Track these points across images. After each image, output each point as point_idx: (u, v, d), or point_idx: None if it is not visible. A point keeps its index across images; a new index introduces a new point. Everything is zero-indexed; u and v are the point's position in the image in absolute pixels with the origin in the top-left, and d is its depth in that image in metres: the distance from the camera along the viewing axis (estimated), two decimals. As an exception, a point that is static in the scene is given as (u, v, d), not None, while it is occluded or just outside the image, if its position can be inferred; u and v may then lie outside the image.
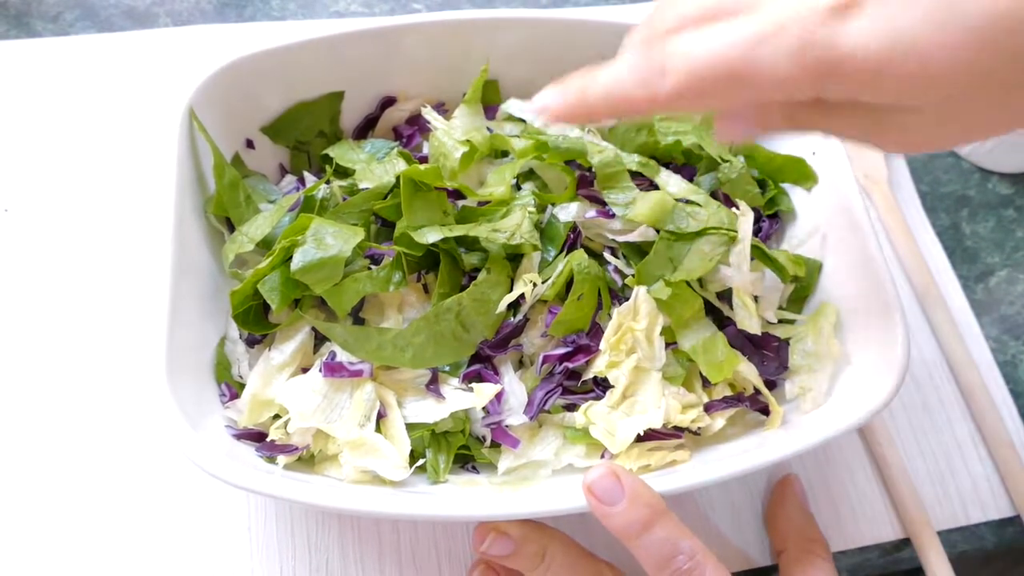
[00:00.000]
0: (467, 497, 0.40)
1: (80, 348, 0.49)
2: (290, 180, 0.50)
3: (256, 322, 0.43)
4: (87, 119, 0.55)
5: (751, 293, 0.44)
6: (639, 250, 0.47)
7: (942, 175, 0.62)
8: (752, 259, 0.45)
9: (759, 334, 0.45)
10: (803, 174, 0.50)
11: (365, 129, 0.52)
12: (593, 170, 0.47)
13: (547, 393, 0.43)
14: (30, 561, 0.43)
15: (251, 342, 0.43)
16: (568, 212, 0.47)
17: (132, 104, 0.56)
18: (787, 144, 0.51)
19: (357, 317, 0.45)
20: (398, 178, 0.44)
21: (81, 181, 0.54)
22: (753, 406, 0.45)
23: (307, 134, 0.50)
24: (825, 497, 0.49)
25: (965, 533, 0.49)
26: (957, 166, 0.62)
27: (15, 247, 0.51)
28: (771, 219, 0.51)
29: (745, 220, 0.45)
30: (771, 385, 0.46)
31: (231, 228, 0.46)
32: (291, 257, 0.40)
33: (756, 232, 0.51)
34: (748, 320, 0.44)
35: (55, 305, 0.50)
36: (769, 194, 0.51)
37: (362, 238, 0.42)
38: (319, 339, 0.44)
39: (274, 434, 0.40)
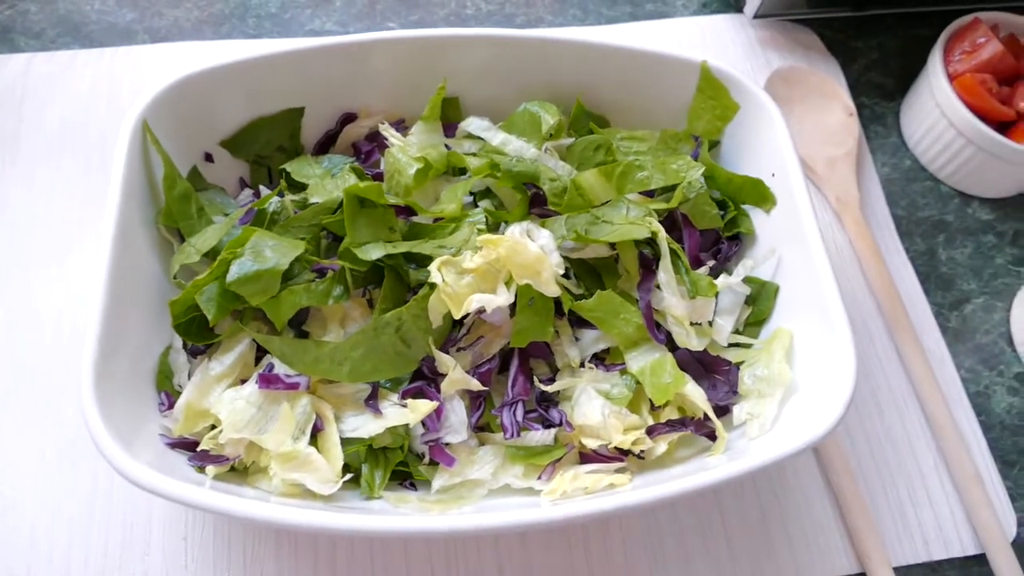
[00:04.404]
0: (394, 514, 0.40)
1: (29, 352, 0.49)
2: (247, 194, 0.50)
3: (198, 333, 0.43)
4: (59, 131, 0.57)
5: (684, 312, 0.44)
6: (591, 268, 0.47)
7: (919, 199, 0.61)
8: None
9: (702, 351, 0.44)
10: (762, 196, 0.49)
11: (326, 145, 0.53)
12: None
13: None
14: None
15: (195, 352, 0.44)
16: (519, 230, 0.46)
17: (100, 117, 0.57)
18: (747, 165, 0.50)
19: (301, 330, 0.45)
20: (348, 193, 0.44)
21: (52, 191, 0.55)
22: (698, 431, 0.44)
23: (267, 148, 0.51)
24: (779, 525, 0.48)
25: (926, 570, 0.48)
26: (936, 190, 0.61)
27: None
28: (730, 241, 0.50)
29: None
30: (723, 411, 0.45)
31: (184, 240, 0.46)
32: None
33: (715, 254, 0.50)
34: (685, 337, 0.44)
35: (17, 308, 0.51)
36: (729, 215, 0.50)
37: (302, 251, 0.42)
38: (262, 351, 0.44)
39: (206, 444, 0.40)
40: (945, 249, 0.58)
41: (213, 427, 0.42)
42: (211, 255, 0.44)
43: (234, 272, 0.40)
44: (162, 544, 0.44)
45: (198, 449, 0.40)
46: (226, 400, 0.41)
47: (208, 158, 0.49)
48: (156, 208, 0.45)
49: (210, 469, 0.40)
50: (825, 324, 0.43)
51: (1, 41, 0.60)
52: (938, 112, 0.58)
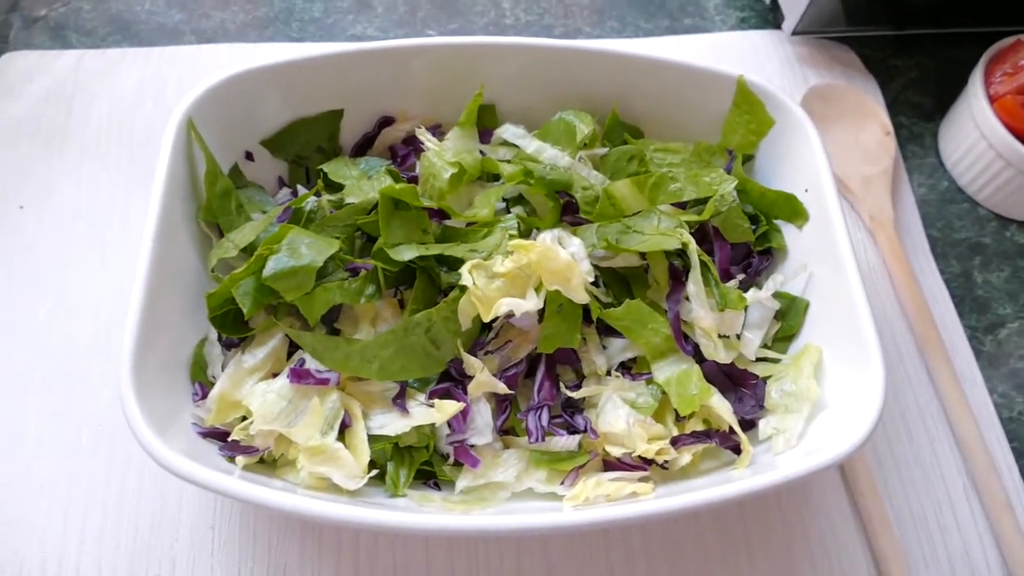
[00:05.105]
0: (417, 512, 0.40)
1: (70, 341, 0.51)
2: (285, 192, 0.51)
3: (233, 326, 0.44)
4: (106, 126, 0.58)
5: (712, 325, 0.44)
6: (621, 277, 0.47)
7: (956, 221, 0.60)
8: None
9: (729, 364, 0.44)
10: (794, 211, 0.49)
11: (364, 147, 0.54)
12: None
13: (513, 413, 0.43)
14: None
15: (229, 345, 0.45)
16: (551, 237, 0.47)
17: (146, 113, 0.59)
18: (781, 180, 0.50)
19: (332, 328, 0.46)
20: (383, 195, 0.45)
21: (97, 185, 0.56)
22: (723, 443, 0.44)
23: (306, 149, 0.52)
24: (802, 545, 0.47)
25: (952, 596, 0.47)
26: (973, 212, 0.60)
27: (26, 243, 0.54)
28: (761, 255, 0.50)
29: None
30: (749, 425, 0.45)
31: (223, 235, 0.47)
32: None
33: (746, 268, 0.50)
34: (713, 350, 0.43)
35: (60, 297, 0.52)
36: (761, 229, 0.50)
37: (336, 250, 0.43)
38: (294, 347, 0.45)
39: (237, 435, 0.41)
40: (981, 272, 0.58)
41: (244, 418, 0.42)
42: (248, 250, 0.45)
43: (270, 267, 0.41)
44: (190, 531, 0.45)
45: (229, 439, 0.41)
46: (258, 393, 0.42)
47: (249, 157, 0.50)
48: (197, 204, 0.47)
49: (240, 459, 0.41)
50: (855, 342, 0.42)
51: (55, 37, 0.62)
52: (977, 133, 0.58)
